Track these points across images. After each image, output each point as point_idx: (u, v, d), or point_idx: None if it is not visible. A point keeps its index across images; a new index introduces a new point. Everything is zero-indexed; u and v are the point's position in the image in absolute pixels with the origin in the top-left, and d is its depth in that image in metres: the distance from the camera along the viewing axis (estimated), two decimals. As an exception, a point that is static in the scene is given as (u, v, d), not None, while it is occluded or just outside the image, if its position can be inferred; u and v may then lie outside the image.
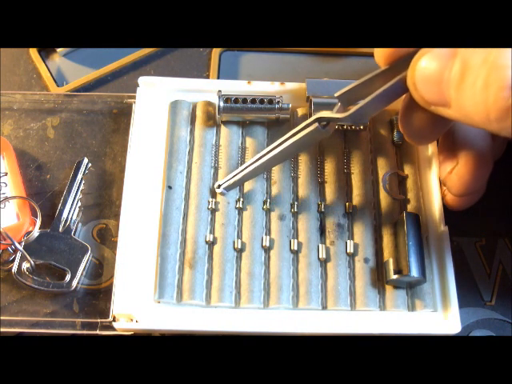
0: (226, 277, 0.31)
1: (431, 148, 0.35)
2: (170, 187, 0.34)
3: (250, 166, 0.32)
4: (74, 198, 0.34)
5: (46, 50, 0.40)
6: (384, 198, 0.34)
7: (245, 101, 0.35)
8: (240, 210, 0.34)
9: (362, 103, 0.28)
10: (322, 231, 0.33)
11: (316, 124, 0.30)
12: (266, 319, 0.31)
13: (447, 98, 0.24)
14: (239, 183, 0.33)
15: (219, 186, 0.33)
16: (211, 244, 0.32)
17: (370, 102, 0.27)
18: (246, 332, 0.30)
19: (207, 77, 0.40)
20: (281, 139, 0.31)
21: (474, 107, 0.23)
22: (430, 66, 0.24)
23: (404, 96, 0.28)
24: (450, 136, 0.31)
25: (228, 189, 0.33)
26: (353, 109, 0.28)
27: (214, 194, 0.34)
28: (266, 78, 0.37)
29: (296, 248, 0.32)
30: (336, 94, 0.29)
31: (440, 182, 0.34)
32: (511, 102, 0.21)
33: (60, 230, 0.33)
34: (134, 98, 0.36)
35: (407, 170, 0.35)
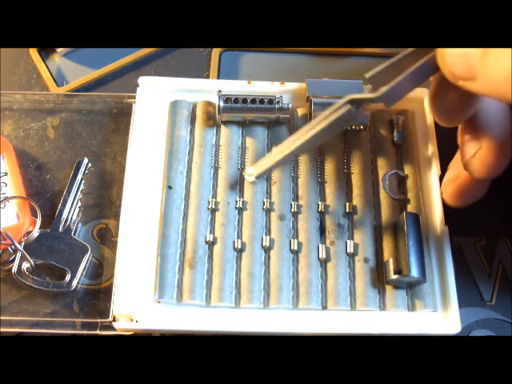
0: (225, 277, 0.31)
1: (431, 148, 0.35)
2: (170, 187, 0.34)
3: (280, 153, 0.31)
4: (74, 198, 0.34)
5: (46, 49, 0.41)
6: (384, 198, 0.34)
7: (245, 101, 0.35)
8: (240, 210, 0.34)
9: (394, 82, 0.27)
10: (322, 231, 0.33)
11: (348, 106, 0.29)
12: (266, 319, 0.31)
13: (474, 71, 0.25)
14: (270, 171, 0.33)
15: (250, 174, 0.32)
16: (211, 244, 0.32)
17: (401, 82, 0.27)
18: (246, 332, 0.30)
19: (207, 77, 0.40)
20: (310, 124, 0.31)
21: (500, 76, 0.23)
22: None
23: (433, 77, 0.29)
24: (473, 119, 0.31)
25: (259, 177, 0.32)
26: (385, 88, 0.28)
27: (214, 194, 0.34)
28: (266, 78, 0.37)
29: (296, 248, 0.32)
30: (367, 75, 0.29)
31: (446, 175, 0.33)
32: None
33: (60, 230, 0.33)
34: (134, 98, 0.36)
35: (407, 169, 0.35)
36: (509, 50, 0.23)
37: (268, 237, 0.33)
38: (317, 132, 0.30)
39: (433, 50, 0.26)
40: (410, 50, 0.28)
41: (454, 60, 0.25)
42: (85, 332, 0.31)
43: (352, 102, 0.29)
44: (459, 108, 0.29)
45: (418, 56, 0.27)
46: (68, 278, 0.32)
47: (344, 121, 0.30)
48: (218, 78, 0.40)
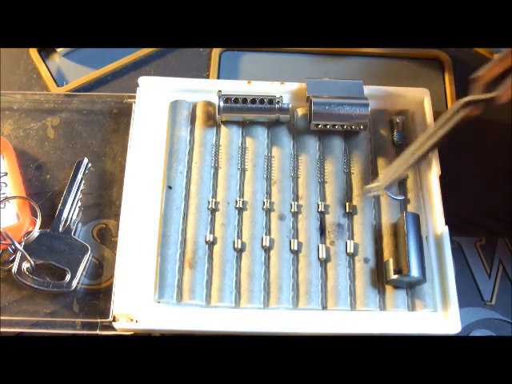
0: (225, 277, 0.31)
1: (431, 148, 0.35)
2: (170, 187, 0.34)
3: (405, 161, 0.32)
4: (74, 198, 0.34)
5: (46, 49, 0.40)
6: (384, 198, 0.34)
7: (245, 101, 0.35)
8: (240, 210, 0.34)
9: (510, 80, 0.27)
10: (322, 231, 0.33)
11: (467, 108, 0.30)
12: (266, 319, 0.31)
13: None
14: (397, 180, 0.33)
15: (377, 187, 0.33)
16: (211, 244, 0.32)
17: None
18: (246, 332, 0.30)
19: (207, 77, 0.40)
20: (430, 130, 0.31)
21: None
22: None
23: None
24: None
25: (387, 188, 0.33)
26: (504, 85, 0.28)
27: (214, 194, 0.34)
28: (266, 78, 0.37)
29: (296, 248, 0.32)
30: (478, 74, 0.29)
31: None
32: None
33: (60, 230, 0.33)
34: (134, 97, 0.36)
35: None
36: None
37: (268, 237, 0.33)
38: (439, 138, 0.31)
39: None
40: None
41: None
42: (85, 332, 0.31)
43: (470, 103, 0.30)
44: None
45: None
46: (68, 278, 0.32)
47: (460, 121, 0.31)
48: (218, 78, 0.40)
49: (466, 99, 0.30)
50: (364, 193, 0.34)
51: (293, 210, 0.34)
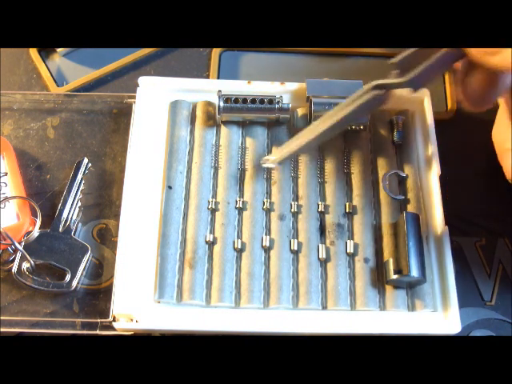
0: (225, 277, 0.31)
1: (431, 148, 0.35)
2: (170, 187, 0.34)
3: (303, 137, 0.32)
4: (74, 198, 0.34)
5: (46, 49, 0.40)
6: (384, 198, 0.34)
7: (245, 101, 0.35)
8: (240, 210, 0.34)
9: (421, 67, 0.27)
10: (322, 231, 0.33)
11: (375, 91, 0.29)
12: (266, 319, 0.31)
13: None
14: (292, 155, 0.33)
15: (267, 160, 0.33)
16: (211, 244, 0.32)
17: (429, 66, 0.27)
18: (246, 332, 0.30)
19: (207, 77, 0.40)
20: (334, 110, 0.31)
21: None
22: None
23: (460, 62, 0.29)
24: None
25: (281, 162, 0.33)
26: (412, 72, 0.28)
27: (214, 194, 0.34)
28: (266, 78, 0.37)
29: (296, 248, 0.32)
30: (394, 60, 0.29)
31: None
32: None
33: (60, 230, 0.33)
34: (134, 97, 0.36)
35: (407, 169, 0.35)
36: None
37: (268, 237, 0.33)
38: (340, 118, 0.30)
39: None
40: None
41: None
42: (85, 332, 0.31)
43: (378, 87, 0.29)
44: (487, 89, 0.29)
45: None
46: (68, 277, 0.32)
47: (368, 107, 0.30)
48: (218, 78, 0.40)
49: (376, 82, 0.29)
50: (261, 163, 0.34)
51: (293, 210, 0.34)
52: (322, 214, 0.34)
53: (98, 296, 0.32)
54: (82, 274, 0.33)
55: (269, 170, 0.35)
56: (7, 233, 0.32)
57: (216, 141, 0.35)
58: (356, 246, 0.33)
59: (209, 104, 0.36)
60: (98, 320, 0.31)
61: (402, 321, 0.31)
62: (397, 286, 0.32)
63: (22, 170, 0.35)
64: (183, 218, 0.33)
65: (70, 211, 0.34)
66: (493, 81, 0.29)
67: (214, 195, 0.34)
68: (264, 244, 0.32)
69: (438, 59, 0.27)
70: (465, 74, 0.29)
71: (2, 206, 0.33)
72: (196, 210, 0.33)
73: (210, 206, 0.33)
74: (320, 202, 0.34)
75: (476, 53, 0.26)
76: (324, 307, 0.31)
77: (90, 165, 0.36)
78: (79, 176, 0.35)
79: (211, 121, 0.36)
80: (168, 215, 0.33)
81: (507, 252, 0.35)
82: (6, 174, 0.34)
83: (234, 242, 0.33)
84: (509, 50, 0.24)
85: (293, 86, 0.37)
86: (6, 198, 0.33)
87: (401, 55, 0.29)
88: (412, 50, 0.29)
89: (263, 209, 0.34)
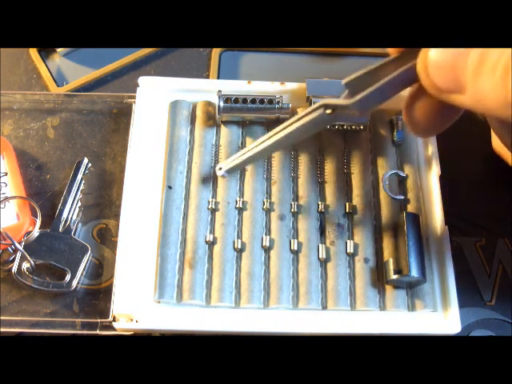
0: (225, 277, 0.31)
1: (431, 148, 0.35)
2: (170, 187, 0.34)
3: (252, 149, 0.31)
4: (74, 198, 0.34)
5: (46, 49, 0.40)
6: (384, 198, 0.34)
7: (245, 101, 0.35)
8: (240, 210, 0.34)
9: (369, 90, 0.26)
10: (322, 231, 0.33)
11: (321, 110, 0.29)
12: (266, 319, 0.31)
13: (462, 84, 0.24)
14: (240, 167, 0.33)
15: (220, 169, 0.33)
16: (211, 244, 0.32)
17: (377, 89, 0.26)
18: (246, 332, 0.30)
19: (207, 77, 0.40)
20: (284, 124, 0.30)
21: (493, 93, 0.22)
22: (443, 53, 0.24)
23: (411, 87, 0.28)
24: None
25: (229, 172, 0.33)
26: (359, 95, 0.27)
27: (214, 194, 0.34)
28: (266, 78, 0.37)
29: (296, 248, 0.32)
30: (343, 81, 0.28)
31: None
32: None
33: (60, 230, 0.33)
34: (134, 97, 0.36)
35: (407, 169, 0.35)
36: (504, 63, 0.22)
37: (268, 237, 0.33)
38: (289, 132, 0.30)
39: (414, 58, 0.25)
40: (390, 57, 0.27)
41: (439, 72, 0.24)
42: (85, 332, 0.31)
43: (326, 106, 0.29)
44: (436, 119, 0.28)
45: (399, 64, 0.26)
46: (68, 278, 0.32)
47: (317, 124, 0.30)
48: (218, 78, 0.40)
49: (323, 101, 0.29)
50: (216, 170, 0.33)
51: (293, 210, 0.34)
52: (322, 214, 0.34)
53: (98, 296, 0.32)
54: (82, 274, 0.33)
55: (269, 170, 0.35)
56: (7, 233, 0.32)
57: (216, 141, 0.35)
58: (356, 246, 0.33)
59: (209, 104, 0.36)
60: (98, 320, 0.31)
61: (402, 321, 0.31)
62: (397, 286, 0.32)
63: (22, 170, 0.35)
64: (183, 218, 0.33)
65: (70, 211, 0.34)
66: (443, 110, 0.27)
67: (214, 195, 0.34)
68: (264, 244, 0.32)
69: (388, 83, 0.26)
70: (413, 99, 0.28)
71: (2, 205, 0.33)
72: (196, 210, 0.33)
73: (209, 206, 0.33)
74: (320, 202, 0.34)
75: (434, 90, 0.25)
76: (324, 307, 0.31)
77: (90, 165, 0.36)
78: (79, 176, 0.35)
79: (211, 121, 0.36)
80: (168, 215, 0.33)
81: (507, 252, 0.35)
82: (6, 173, 0.34)
83: (233, 242, 0.33)
84: (476, 85, 0.23)
85: (293, 85, 0.37)
86: (6, 198, 0.33)
87: (351, 76, 0.28)
88: (364, 70, 0.28)
89: (263, 209, 0.34)
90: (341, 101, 0.28)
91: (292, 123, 0.30)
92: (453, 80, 0.24)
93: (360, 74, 0.28)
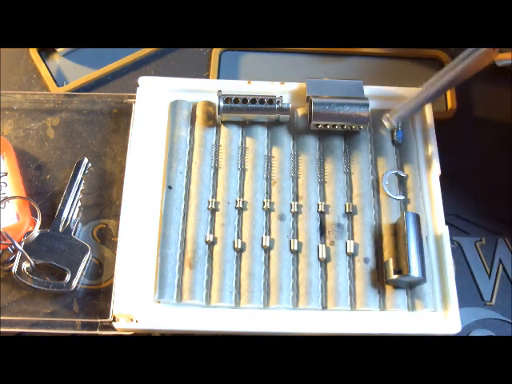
0: (225, 277, 0.31)
1: (431, 148, 0.35)
2: (170, 187, 0.34)
3: (423, 93, 0.32)
4: (74, 198, 0.34)
5: (46, 49, 0.40)
6: (384, 198, 0.34)
7: (245, 101, 0.35)
8: (240, 210, 0.34)
9: None
10: (322, 231, 0.33)
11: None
12: (266, 319, 0.31)
13: None
14: (413, 113, 0.34)
15: (388, 119, 0.33)
16: (211, 244, 0.32)
17: None
18: (246, 332, 0.30)
19: (207, 77, 0.40)
20: (450, 65, 0.31)
21: None
22: None
23: None
24: None
25: (400, 119, 0.33)
26: None
27: (214, 194, 0.34)
28: (266, 78, 0.37)
29: (296, 248, 0.32)
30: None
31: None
32: None
33: (60, 230, 0.33)
34: (134, 97, 0.36)
35: (407, 170, 0.35)
36: None
37: (268, 237, 0.33)
38: (463, 66, 0.31)
39: None
40: None
41: None
42: (85, 332, 0.31)
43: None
44: None
45: None
46: (68, 278, 0.32)
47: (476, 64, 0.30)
48: (218, 78, 0.40)
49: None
50: (382, 120, 0.34)
51: (293, 210, 0.34)
52: (322, 214, 0.34)
53: (98, 296, 0.32)
54: (82, 274, 0.33)
55: (269, 170, 0.35)
56: (7, 233, 0.32)
57: (216, 141, 0.35)
58: (356, 246, 0.33)
59: (209, 104, 0.36)
60: (98, 320, 0.31)
61: (402, 321, 0.31)
62: (397, 285, 0.32)
63: (22, 170, 0.35)
64: (183, 218, 0.33)
65: (70, 211, 0.34)
66: None
67: (214, 195, 0.34)
68: (264, 244, 0.32)
69: None
70: None
71: (2, 205, 0.33)
72: (196, 210, 0.33)
73: (210, 206, 0.33)
74: (320, 202, 0.34)
75: None
76: (324, 307, 0.31)
77: (90, 165, 0.36)
78: (79, 176, 0.35)
79: (211, 121, 0.36)
80: (168, 215, 0.33)
81: (507, 252, 0.35)
82: (6, 173, 0.34)
83: (233, 242, 0.33)
84: None
85: (293, 86, 0.37)
86: (6, 198, 0.33)
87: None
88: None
89: (263, 209, 0.34)
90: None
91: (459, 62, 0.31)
92: None
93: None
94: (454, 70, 0.31)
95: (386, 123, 0.34)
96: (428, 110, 0.36)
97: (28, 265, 0.32)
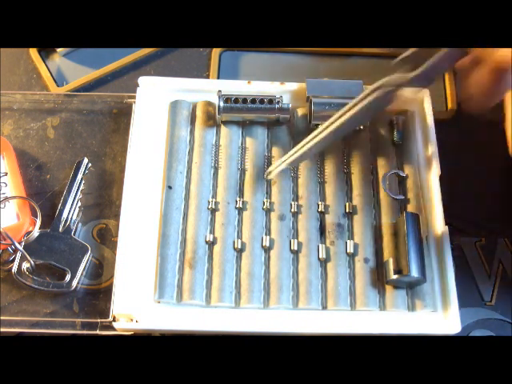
0: (225, 277, 0.31)
1: (431, 148, 0.35)
2: (170, 187, 0.34)
3: (301, 148, 0.32)
4: (74, 198, 0.34)
5: (46, 49, 0.40)
6: (384, 198, 0.34)
7: (245, 101, 0.35)
8: (240, 210, 0.34)
9: (429, 62, 0.27)
10: (322, 231, 0.33)
11: (383, 89, 0.29)
12: (266, 319, 0.31)
13: None
14: (296, 163, 0.33)
15: (270, 173, 0.33)
16: (211, 244, 0.32)
17: (436, 61, 0.27)
18: (246, 332, 0.30)
19: (207, 77, 0.40)
20: (336, 115, 0.31)
21: None
22: None
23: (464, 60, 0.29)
24: None
25: (292, 164, 0.33)
26: (420, 69, 0.27)
27: (214, 194, 0.34)
28: (266, 78, 0.37)
29: (296, 248, 0.32)
30: (397, 60, 0.29)
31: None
32: None
33: (60, 230, 0.33)
34: (134, 97, 0.36)
35: (407, 170, 0.35)
36: None
37: (268, 237, 0.33)
38: (343, 122, 0.30)
39: None
40: None
41: None
42: (85, 332, 0.31)
43: (384, 86, 0.29)
44: (491, 85, 0.28)
45: None
46: (68, 278, 0.32)
47: (373, 108, 0.30)
48: (218, 78, 0.40)
49: (381, 81, 0.29)
50: (265, 177, 0.34)
51: (293, 210, 0.34)
52: (322, 214, 0.34)
53: (98, 296, 0.32)
54: (82, 274, 0.33)
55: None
56: (7, 233, 0.32)
57: (216, 141, 0.35)
58: (356, 246, 0.33)
59: (209, 104, 0.36)
60: (98, 320, 0.31)
61: (402, 321, 0.31)
62: (397, 286, 0.32)
63: (22, 170, 0.35)
64: (183, 218, 0.33)
65: (70, 211, 0.34)
66: (497, 77, 0.28)
67: (214, 195, 0.34)
68: (264, 244, 0.32)
69: (445, 55, 0.27)
70: (469, 70, 0.28)
71: (2, 205, 0.33)
72: (196, 210, 0.33)
73: (210, 206, 0.33)
74: (320, 202, 0.34)
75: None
76: (324, 307, 0.31)
77: (90, 165, 0.36)
78: (79, 176, 0.35)
79: (211, 121, 0.36)
80: (168, 215, 0.33)
81: (507, 252, 0.35)
82: (6, 173, 0.34)
83: (233, 242, 0.33)
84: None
85: (293, 86, 0.37)
86: (6, 198, 0.33)
87: (404, 54, 0.28)
88: (415, 48, 0.28)
89: (263, 209, 0.34)
90: (404, 76, 0.28)
91: (346, 111, 0.30)
92: None
93: (413, 51, 0.28)
94: (348, 114, 0.30)
95: (269, 176, 0.34)
96: (428, 109, 0.36)
97: (28, 265, 0.32)
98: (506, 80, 0.28)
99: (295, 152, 0.32)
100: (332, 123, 0.31)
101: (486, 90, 0.28)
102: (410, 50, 0.28)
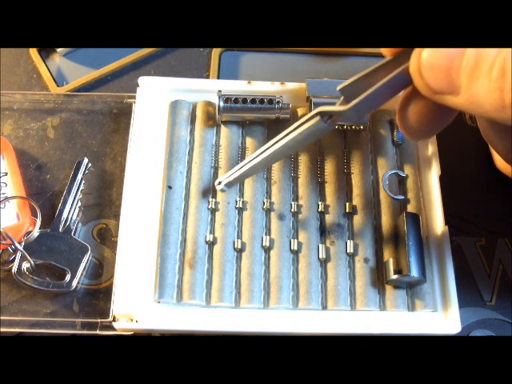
0: (225, 277, 0.31)
1: (431, 148, 0.35)
2: (170, 187, 0.34)
3: (250, 162, 0.31)
4: (74, 198, 0.34)
5: (46, 49, 0.41)
6: (384, 198, 0.34)
7: (245, 101, 0.35)
8: (240, 210, 0.34)
9: (364, 95, 0.26)
10: (322, 231, 0.33)
11: (318, 118, 0.29)
12: (266, 319, 0.31)
13: (456, 86, 0.23)
14: (240, 180, 0.33)
15: (220, 183, 0.33)
16: (211, 244, 0.32)
17: (372, 94, 0.26)
18: (246, 332, 0.30)
19: (207, 77, 0.40)
20: (281, 134, 0.30)
21: (488, 94, 0.22)
22: (437, 53, 0.24)
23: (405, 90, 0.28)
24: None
25: (229, 185, 0.33)
26: (354, 101, 0.27)
27: (214, 194, 0.34)
28: (266, 78, 0.37)
29: (296, 248, 0.32)
30: (338, 88, 0.28)
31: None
32: None
33: (60, 230, 0.33)
34: (134, 98, 0.36)
35: (407, 169, 0.35)
36: (500, 63, 0.22)
37: (268, 237, 0.33)
38: (285, 143, 0.30)
39: (408, 60, 0.25)
40: (384, 60, 0.27)
41: (433, 73, 0.24)
42: (85, 332, 0.31)
43: (322, 114, 0.29)
44: (430, 122, 0.27)
45: (393, 68, 0.26)
46: (68, 278, 0.32)
47: (313, 133, 0.30)
48: (218, 78, 0.40)
49: (319, 109, 0.28)
50: (216, 187, 0.33)
51: (293, 210, 0.34)
52: (322, 214, 0.34)
53: (98, 296, 0.32)
54: (82, 274, 0.33)
55: (269, 170, 0.35)
56: (7, 233, 0.32)
57: (216, 141, 0.35)
58: (356, 246, 0.33)
59: (209, 104, 0.36)
60: (98, 320, 0.31)
61: (402, 321, 0.31)
62: (397, 286, 0.32)
63: (22, 170, 0.35)
64: (183, 218, 0.33)
65: (70, 211, 0.34)
66: (437, 112, 0.27)
67: (214, 195, 0.34)
68: (264, 244, 0.32)
69: (383, 86, 0.26)
70: (407, 101, 0.27)
71: (2, 205, 0.33)
72: (196, 210, 0.33)
73: (209, 206, 0.33)
74: (320, 202, 0.34)
75: (428, 92, 0.24)
76: (324, 307, 0.31)
77: (90, 165, 0.36)
78: (79, 176, 0.35)
79: (211, 121, 0.36)
80: (168, 215, 0.33)
81: (507, 252, 0.35)
82: (6, 173, 0.34)
83: (234, 242, 0.33)
84: (471, 87, 0.23)
85: (293, 85, 0.37)
86: (6, 198, 0.33)
87: (346, 82, 0.28)
88: (358, 75, 0.27)
89: (263, 209, 0.34)
90: (336, 108, 0.28)
91: (289, 133, 0.30)
92: (447, 81, 0.24)
93: (354, 80, 0.28)
94: (290, 135, 0.30)
95: (217, 186, 0.33)
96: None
97: (28, 265, 0.32)
98: (445, 114, 0.27)
99: (240, 168, 0.32)
100: (274, 144, 0.30)
101: (422, 124, 0.27)
102: (350, 79, 0.28)
